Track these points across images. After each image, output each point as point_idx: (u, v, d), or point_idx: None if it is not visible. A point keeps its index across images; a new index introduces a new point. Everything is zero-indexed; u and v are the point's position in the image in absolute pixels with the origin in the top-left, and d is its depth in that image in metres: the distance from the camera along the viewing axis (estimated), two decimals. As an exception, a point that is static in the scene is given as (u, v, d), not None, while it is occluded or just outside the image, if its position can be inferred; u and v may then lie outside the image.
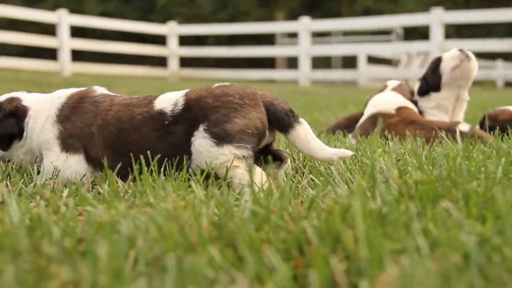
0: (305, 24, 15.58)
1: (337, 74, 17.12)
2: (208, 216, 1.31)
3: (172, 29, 17.32)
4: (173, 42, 17.37)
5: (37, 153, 2.16)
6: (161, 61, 18.13)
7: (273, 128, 2.01)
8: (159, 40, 18.29)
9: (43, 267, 1.05)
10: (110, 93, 2.19)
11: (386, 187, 1.40)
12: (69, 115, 2.09)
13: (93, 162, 2.06)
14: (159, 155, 1.93)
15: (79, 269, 1.05)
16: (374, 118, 3.45)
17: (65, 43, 14.92)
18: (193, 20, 21.62)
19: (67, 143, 2.06)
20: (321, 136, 3.45)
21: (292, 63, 18.42)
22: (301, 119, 2.00)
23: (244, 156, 1.89)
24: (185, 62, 18.19)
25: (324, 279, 0.97)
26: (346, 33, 20.83)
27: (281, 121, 1.96)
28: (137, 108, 2.05)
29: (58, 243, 1.20)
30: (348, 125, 3.77)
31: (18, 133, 2.15)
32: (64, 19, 14.88)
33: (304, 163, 2.31)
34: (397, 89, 3.66)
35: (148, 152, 1.94)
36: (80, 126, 2.06)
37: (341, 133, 3.62)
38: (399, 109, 3.43)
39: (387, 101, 3.52)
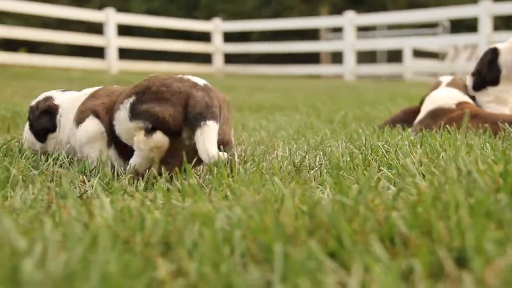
0: (350, 19, 15.50)
1: (383, 69, 16.98)
2: (294, 208, 1.33)
3: (217, 26, 17.42)
4: (218, 39, 17.47)
5: (64, 144, 2.41)
6: (206, 58, 18.25)
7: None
8: (203, 37, 18.42)
9: (147, 258, 1.09)
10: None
11: (471, 179, 1.40)
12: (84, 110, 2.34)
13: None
14: None
15: (181, 259, 1.08)
16: (434, 114, 3.42)
17: (112, 41, 15.15)
18: (237, 17, 21.68)
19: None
20: (381, 130, 3.43)
21: (336, 58, 18.33)
22: (206, 124, 2.03)
23: (142, 127, 2.07)
24: (230, 58, 18.27)
25: (427, 269, 0.98)
26: (391, 27, 20.64)
27: (190, 122, 2.05)
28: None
29: (154, 235, 1.23)
30: (405, 118, 3.74)
31: (52, 128, 2.46)
32: (111, 18, 15.11)
33: (372, 157, 2.32)
34: (451, 84, 3.62)
35: None
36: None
37: (401, 127, 3.59)
38: (460, 104, 3.39)
39: (446, 96, 3.48)
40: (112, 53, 15.16)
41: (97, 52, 16.15)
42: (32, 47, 17.98)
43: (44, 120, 2.47)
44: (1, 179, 1.88)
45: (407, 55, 17.69)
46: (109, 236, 1.18)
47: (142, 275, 1.04)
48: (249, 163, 2.32)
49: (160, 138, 2.05)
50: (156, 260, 1.09)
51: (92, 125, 2.25)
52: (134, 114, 2.08)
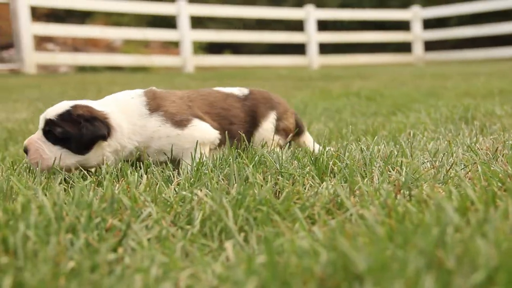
0: None
1: None
2: None
3: (416, 14, 17.08)
4: (417, 27, 17.13)
5: (128, 148, 2.30)
6: (400, 47, 17.90)
7: None
8: (397, 25, 18.08)
9: None
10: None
11: None
12: (160, 103, 2.37)
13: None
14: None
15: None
16: None
17: (313, 37, 15.43)
18: (431, 2, 20.94)
19: (177, 119, 2.36)
20: None
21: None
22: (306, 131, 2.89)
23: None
24: (428, 45, 17.77)
25: None
26: None
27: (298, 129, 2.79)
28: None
29: None
30: None
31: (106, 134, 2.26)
32: (311, 14, 15.41)
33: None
34: None
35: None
36: (179, 104, 2.43)
37: None
38: None
39: None
40: (312, 49, 15.45)
41: (294, 49, 16.49)
42: (235, 48, 18.79)
43: (96, 127, 2.21)
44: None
45: None
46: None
47: None
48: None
49: None
50: None
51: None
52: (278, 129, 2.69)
